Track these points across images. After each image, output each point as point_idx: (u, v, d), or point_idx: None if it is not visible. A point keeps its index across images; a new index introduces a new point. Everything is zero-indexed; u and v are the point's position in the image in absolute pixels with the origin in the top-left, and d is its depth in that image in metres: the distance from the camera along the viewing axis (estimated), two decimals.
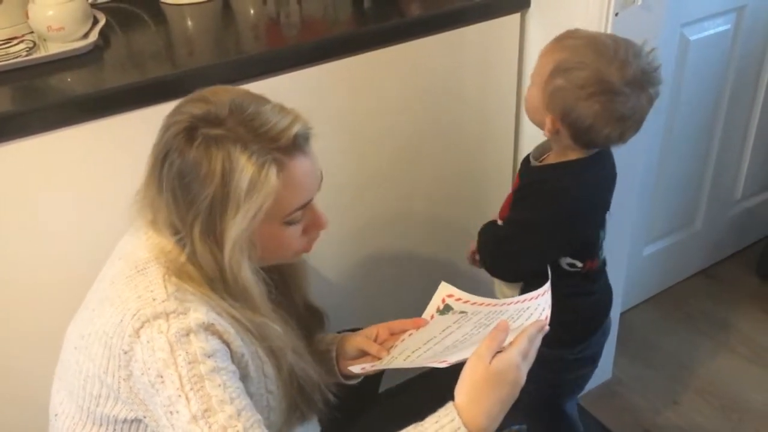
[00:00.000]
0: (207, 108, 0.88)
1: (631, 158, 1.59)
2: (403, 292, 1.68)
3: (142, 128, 1.19)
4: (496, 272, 1.29)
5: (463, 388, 0.87)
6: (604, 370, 1.89)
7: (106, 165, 1.21)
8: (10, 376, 1.28)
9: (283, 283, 1.08)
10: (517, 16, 1.50)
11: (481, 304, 1.08)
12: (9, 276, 1.21)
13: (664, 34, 1.50)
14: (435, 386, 0.93)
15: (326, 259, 1.53)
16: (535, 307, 0.99)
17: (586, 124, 1.10)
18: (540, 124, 1.17)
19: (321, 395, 1.06)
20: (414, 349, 1.03)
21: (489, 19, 1.47)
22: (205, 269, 0.91)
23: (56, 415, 0.99)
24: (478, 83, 1.53)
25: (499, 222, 1.30)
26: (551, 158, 1.23)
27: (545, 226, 1.18)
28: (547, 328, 0.93)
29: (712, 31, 1.78)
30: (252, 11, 1.53)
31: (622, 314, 1.87)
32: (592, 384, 1.86)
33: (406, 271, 1.68)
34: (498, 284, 1.33)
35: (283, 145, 0.88)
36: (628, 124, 1.12)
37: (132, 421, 0.92)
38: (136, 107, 1.18)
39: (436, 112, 1.53)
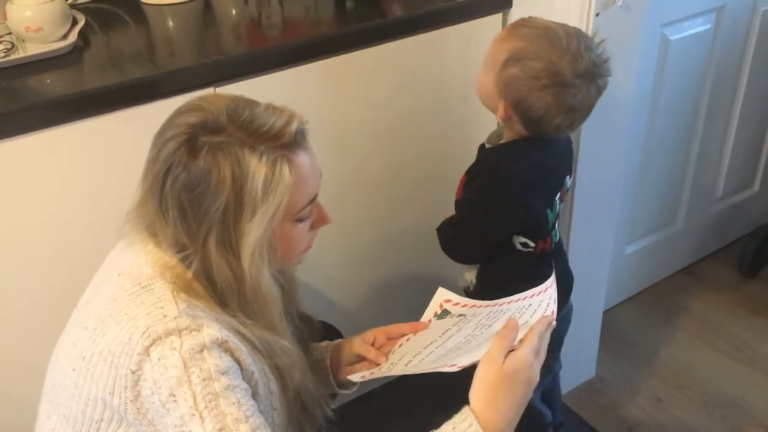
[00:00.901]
0: (204, 116, 0.86)
1: (613, 157, 1.60)
2: (390, 293, 1.68)
3: (122, 129, 1.20)
4: (453, 255, 1.31)
5: (477, 391, 0.85)
6: (587, 369, 1.90)
7: (86, 166, 1.20)
8: None
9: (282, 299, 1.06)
10: (498, 17, 1.51)
11: (480, 306, 1.08)
12: None
13: (644, 34, 1.51)
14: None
15: (313, 264, 1.53)
16: (539, 304, 0.98)
17: (537, 114, 1.14)
18: (493, 110, 1.20)
19: (321, 410, 1.05)
20: (415, 353, 1.01)
21: (471, 20, 1.48)
22: (218, 284, 0.88)
23: None
24: (461, 83, 1.53)
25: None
26: (503, 142, 1.26)
27: (485, 205, 1.21)
28: (555, 323, 0.93)
29: (692, 31, 1.80)
30: (233, 11, 1.52)
31: (604, 312, 1.88)
32: (575, 382, 1.87)
33: (393, 273, 1.68)
34: (460, 268, 1.35)
35: (285, 142, 0.87)
36: (578, 114, 1.16)
37: None
38: (117, 108, 1.17)
39: (419, 112, 1.53)
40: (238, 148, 0.84)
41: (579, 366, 1.87)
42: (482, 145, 1.30)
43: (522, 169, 1.20)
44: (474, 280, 1.32)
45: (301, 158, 0.89)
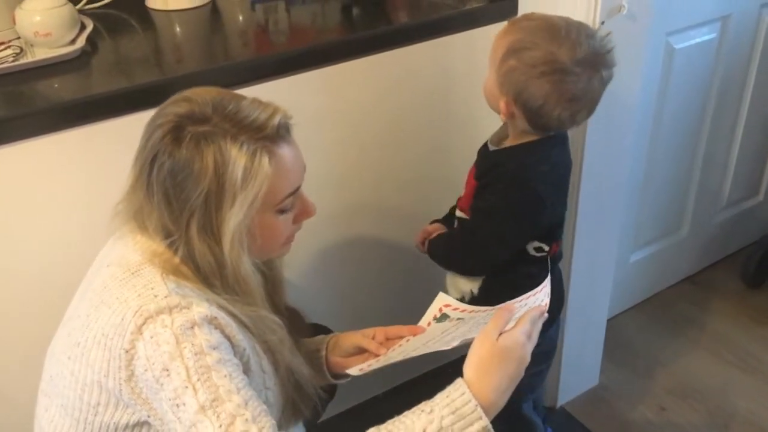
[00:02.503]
0: (191, 107, 0.90)
1: (618, 165, 1.60)
2: (388, 295, 1.68)
3: (129, 135, 1.19)
4: (465, 266, 1.26)
5: (471, 363, 0.89)
6: (590, 377, 1.90)
7: (92, 171, 1.21)
8: None
9: (266, 289, 1.08)
10: (504, 24, 1.51)
11: (478, 311, 1.09)
12: None
13: (649, 42, 1.52)
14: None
15: (311, 266, 1.53)
16: (534, 301, 1.00)
17: (537, 105, 1.11)
18: (496, 108, 1.17)
19: (315, 392, 1.08)
20: (414, 349, 1.04)
21: (476, 27, 1.48)
22: (202, 268, 0.92)
23: None
24: (466, 91, 1.53)
25: (458, 213, 1.28)
26: (508, 143, 1.22)
27: (511, 209, 1.17)
28: (547, 314, 0.95)
29: (697, 40, 1.80)
30: (240, 18, 1.53)
31: (609, 320, 1.88)
32: (578, 391, 1.87)
33: (391, 276, 1.68)
34: (451, 278, 1.30)
35: (268, 134, 0.90)
36: (580, 105, 1.12)
37: (134, 426, 0.91)
38: (124, 113, 1.18)
39: (424, 119, 1.53)
40: (221, 137, 0.88)
41: (582, 374, 1.87)
42: (484, 148, 1.27)
43: (549, 169, 1.17)
44: (475, 290, 1.27)
45: (283, 150, 0.92)
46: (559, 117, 1.12)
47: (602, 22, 1.36)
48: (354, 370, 1.07)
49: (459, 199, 1.31)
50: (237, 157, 0.87)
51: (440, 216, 1.40)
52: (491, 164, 1.22)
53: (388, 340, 1.10)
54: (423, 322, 1.12)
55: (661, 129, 1.86)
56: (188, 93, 0.92)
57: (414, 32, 1.43)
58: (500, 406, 0.88)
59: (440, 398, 0.87)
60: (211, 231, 0.90)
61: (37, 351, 1.02)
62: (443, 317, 1.11)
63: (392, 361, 1.03)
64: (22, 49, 1.28)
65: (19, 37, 1.31)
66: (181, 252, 0.92)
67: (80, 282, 1.01)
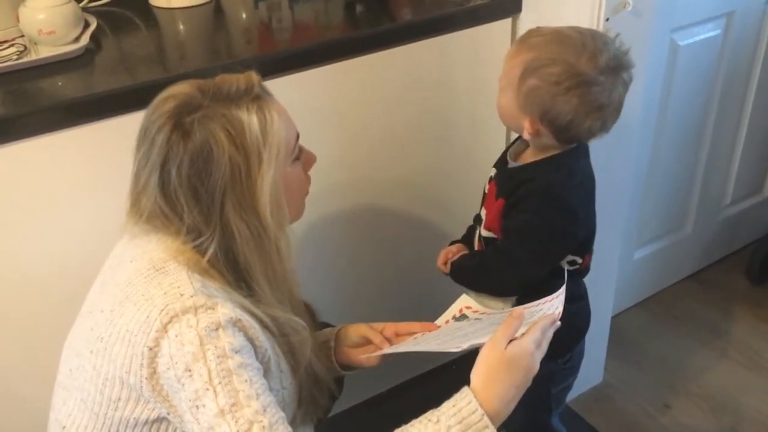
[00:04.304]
0: (178, 101, 0.91)
1: (622, 162, 1.60)
2: (395, 297, 1.68)
3: (133, 132, 1.20)
4: (501, 288, 1.20)
5: (478, 372, 0.89)
6: (595, 375, 1.90)
7: (97, 169, 1.21)
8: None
9: None
10: (508, 21, 1.51)
11: (495, 313, 1.09)
12: None
13: (654, 39, 1.51)
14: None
15: (317, 266, 1.53)
16: (548, 308, 0.99)
17: (566, 120, 1.08)
18: (518, 129, 1.14)
19: (328, 390, 1.09)
20: (425, 343, 1.05)
21: (480, 24, 1.48)
22: (240, 257, 0.92)
23: (64, 427, 0.96)
24: (470, 88, 1.53)
25: (485, 233, 1.24)
26: (529, 157, 1.19)
27: (548, 226, 1.13)
28: (559, 323, 0.94)
29: (701, 37, 1.79)
30: (244, 15, 1.53)
31: (612, 318, 1.88)
32: (582, 388, 1.87)
33: (396, 277, 1.68)
34: (477, 296, 1.22)
35: (257, 93, 0.93)
36: (608, 112, 1.10)
37: (153, 422, 0.92)
38: (128, 111, 1.17)
39: (427, 115, 1.53)
40: (222, 112, 0.90)
41: (586, 372, 1.86)
42: (502, 165, 1.22)
43: (579, 182, 1.15)
44: (507, 309, 1.18)
45: (275, 103, 0.95)
46: (590, 128, 1.10)
47: (607, 19, 1.35)
48: (362, 357, 1.08)
49: (476, 217, 1.27)
50: (248, 118, 0.90)
51: (436, 215, 1.39)
52: (517, 182, 1.17)
53: (398, 337, 1.11)
54: (441, 320, 1.12)
55: (665, 126, 1.85)
56: (166, 93, 0.93)
57: (417, 29, 1.43)
58: (506, 415, 0.88)
59: (447, 407, 0.87)
60: (247, 204, 0.91)
61: (47, 347, 1.02)
62: (462, 317, 1.11)
63: (401, 349, 1.03)
64: (26, 47, 1.28)
65: (23, 35, 1.32)
66: (212, 249, 0.91)
67: (87, 278, 1.01)
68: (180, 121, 0.89)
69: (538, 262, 1.15)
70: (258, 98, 0.92)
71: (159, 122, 0.90)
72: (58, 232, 1.22)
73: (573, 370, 1.35)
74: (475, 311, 1.11)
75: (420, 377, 1.77)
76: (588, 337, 1.62)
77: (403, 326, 1.11)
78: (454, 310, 1.12)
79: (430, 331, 1.09)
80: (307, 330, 1.01)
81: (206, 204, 0.90)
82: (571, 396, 1.84)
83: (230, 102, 0.90)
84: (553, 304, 0.99)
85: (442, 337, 1.02)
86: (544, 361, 1.03)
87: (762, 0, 1.87)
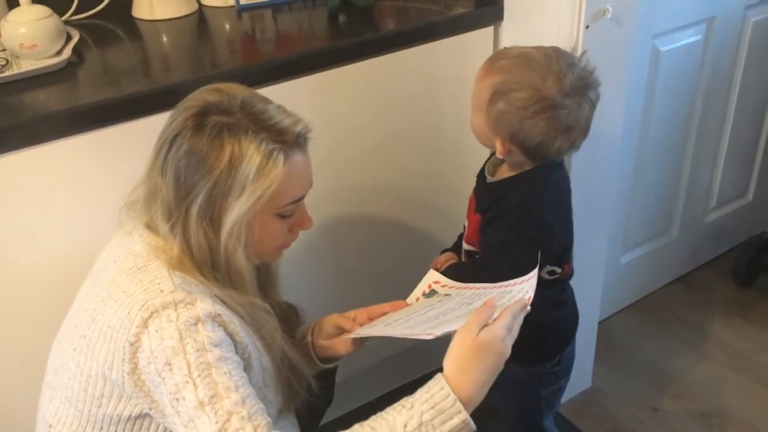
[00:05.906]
0: (220, 98, 0.93)
1: (607, 168, 1.61)
2: (377, 297, 1.68)
3: (117, 145, 1.20)
4: None
5: (451, 358, 0.90)
6: (583, 379, 1.90)
7: (81, 182, 1.20)
8: None
9: (260, 284, 1.10)
10: (490, 30, 1.52)
11: (465, 288, 1.10)
12: None
13: (635, 45, 1.52)
14: None
15: (304, 274, 1.53)
16: (518, 290, 1.00)
17: (536, 142, 1.11)
18: (490, 147, 1.18)
19: (306, 382, 1.10)
20: (395, 318, 1.05)
21: (462, 33, 1.49)
22: (194, 254, 0.94)
23: (51, 426, 0.98)
24: (453, 96, 1.54)
25: (466, 246, 1.27)
26: (504, 172, 1.22)
27: (523, 241, 1.15)
28: (529, 308, 0.95)
29: (683, 42, 1.81)
30: (227, 26, 1.53)
31: (600, 323, 1.88)
32: (571, 393, 1.87)
33: (382, 283, 1.67)
34: None
35: (287, 139, 0.94)
36: (576, 132, 1.13)
37: (136, 418, 0.93)
38: (111, 123, 1.18)
39: (411, 124, 1.54)
40: (242, 132, 0.91)
41: (575, 376, 1.85)
42: (482, 179, 1.25)
43: (552, 195, 1.17)
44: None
45: (298, 158, 0.96)
46: (559, 148, 1.13)
47: (587, 26, 1.36)
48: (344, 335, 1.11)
49: (468, 234, 1.28)
50: (254, 153, 0.91)
51: (423, 221, 1.39)
52: (494, 197, 1.20)
53: (371, 320, 1.12)
54: (411, 297, 1.14)
55: (649, 131, 1.87)
56: (222, 85, 0.96)
57: (401, 38, 1.44)
58: (479, 400, 0.89)
59: (420, 393, 0.88)
60: (211, 218, 0.93)
61: (40, 351, 1.02)
62: (431, 293, 1.13)
63: (374, 333, 1.05)
64: (7, 61, 1.28)
65: (4, 49, 1.31)
66: (178, 237, 0.94)
67: (71, 289, 1.02)
68: (204, 114, 0.92)
69: (514, 276, 1.15)
70: (285, 143, 0.93)
71: (191, 103, 0.94)
72: (39, 245, 1.21)
73: (564, 372, 1.36)
74: (444, 285, 1.12)
75: (413, 383, 1.76)
76: (576, 341, 1.63)
77: (375, 309, 1.13)
78: (423, 286, 1.14)
79: (398, 308, 1.10)
80: (273, 315, 1.02)
81: (181, 193, 0.92)
82: None
83: (257, 129, 0.92)
84: (524, 288, 1.00)
85: (414, 317, 1.02)
86: (531, 366, 1.03)
87: (741, 5, 1.89)
